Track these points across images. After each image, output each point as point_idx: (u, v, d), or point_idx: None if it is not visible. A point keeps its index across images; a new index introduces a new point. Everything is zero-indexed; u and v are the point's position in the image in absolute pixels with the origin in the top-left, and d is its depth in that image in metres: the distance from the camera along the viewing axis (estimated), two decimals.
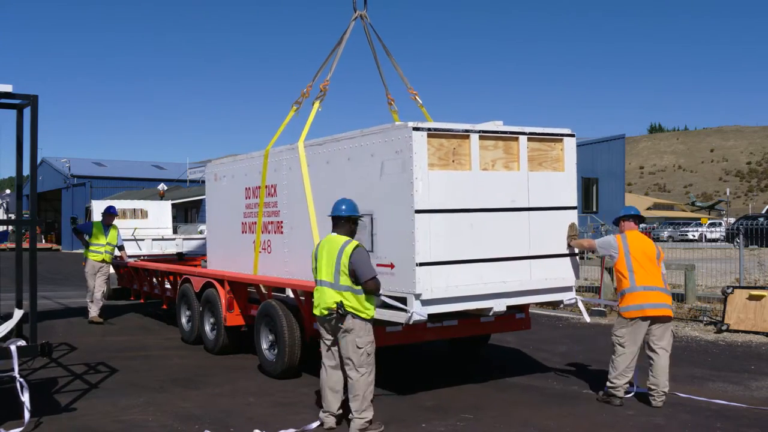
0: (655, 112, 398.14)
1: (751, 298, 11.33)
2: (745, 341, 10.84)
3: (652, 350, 7.22)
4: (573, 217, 8.09)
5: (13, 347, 6.21)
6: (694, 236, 43.40)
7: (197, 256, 15.17)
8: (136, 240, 17.28)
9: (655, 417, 6.77)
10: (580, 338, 11.37)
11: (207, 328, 10.16)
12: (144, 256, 16.26)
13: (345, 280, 6.23)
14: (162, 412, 6.99)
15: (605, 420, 6.69)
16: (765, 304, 11.20)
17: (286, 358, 8.19)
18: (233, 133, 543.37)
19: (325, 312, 6.30)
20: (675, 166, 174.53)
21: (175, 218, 22.03)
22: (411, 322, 6.95)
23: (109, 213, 13.71)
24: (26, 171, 6.75)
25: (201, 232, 22.16)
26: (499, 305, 7.50)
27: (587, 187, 37.53)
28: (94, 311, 13.08)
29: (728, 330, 11.38)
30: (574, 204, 8.12)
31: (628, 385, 7.29)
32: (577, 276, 8.14)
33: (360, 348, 6.24)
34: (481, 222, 7.35)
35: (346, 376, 6.42)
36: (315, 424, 6.47)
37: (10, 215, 37.52)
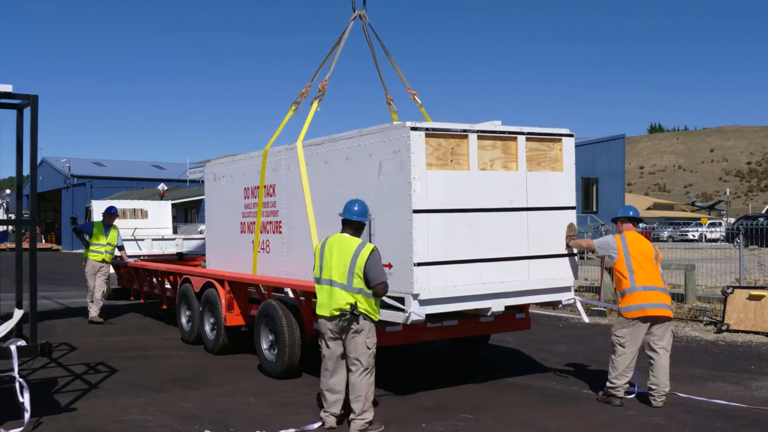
0: (655, 112, 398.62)
1: (751, 298, 11.33)
2: (745, 341, 10.84)
3: (653, 350, 7.22)
4: (572, 217, 8.09)
5: (13, 347, 6.21)
6: (694, 236, 43.41)
7: (197, 256, 15.17)
8: (136, 240, 17.28)
9: (655, 417, 6.78)
10: (580, 338, 11.37)
11: (207, 328, 10.16)
12: (144, 256, 16.26)
13: (359, 283, 6.20)
14: (162, 412, 7.00)
15: (605, 420, 6.69)
16: (765, 304, 11.20)
17: (286, 358, 8.19)
18: (233, 133, 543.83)
19: (336, 312, 6.24)
20: (675, 166, 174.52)
21: (175, 218, 22.03)
22: (408, 322, 6.96)
23: (110, 213, 13.72)
24: (26, 171, 6.76)
25: (201, 232, 22.15)
26: (498, 305, 7.50)
27: (587, 187, 37.54)
28: (94, 311, 13.09)
29: (728, 330, 11.38)
30: (573, 204, 8.12)
31: (628, 385, 7.29)
32: (575, 276, 8.14)
33: (369, 349, 6.25)
34: (480, 222, 7.35)
35: (347, 377, 6.42)
36: (316, 425, 6.46)
37: (10, 215, 37.52)
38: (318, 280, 6.47)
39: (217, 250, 11.09)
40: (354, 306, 6.18)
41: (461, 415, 6.82)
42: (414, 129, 6.92)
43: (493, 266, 7.42)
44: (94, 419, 6.74)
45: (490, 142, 7.48)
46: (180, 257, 15.05)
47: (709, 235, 40.58)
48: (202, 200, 36.20)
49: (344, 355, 6.40)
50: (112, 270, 14.21)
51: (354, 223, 6.47)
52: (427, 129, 7.02)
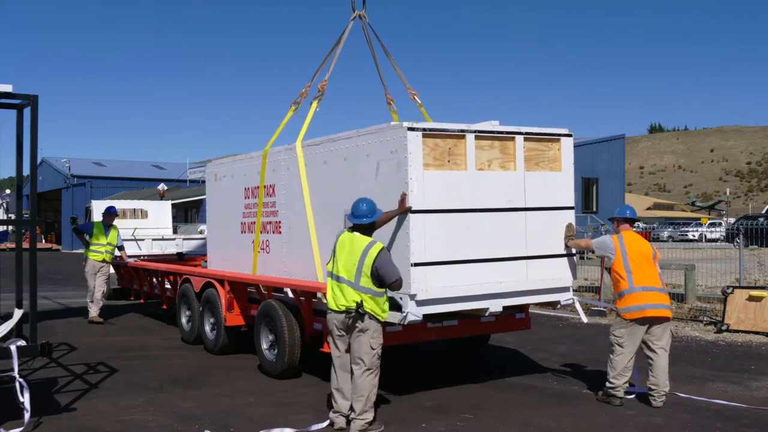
0: (655, 112, 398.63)
1: (751, 298, 11.33)
2: (745, 341, 10.84)
3: (651, 350, 7.23)
4: (570, 217, 8.08)
5: (13, 347, 6.21)
6: (694, 236, 43.42)
7: (197, 256, 15.19)
8: (136, 240, 17.29)
9: (655, 417, 6.78)
10: (580, 338, 11.37)
11: (207, 328, 10.17)
12: (144, 256, 16.27)
13: (366, 282, 6.22)
14: (162, 412, 7.00)
15: (605, 420, 6.70)
16: (765, 304, 11.20)
17: (286, 358, 8.19)
18: (233, 133, 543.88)
19: (343, 308, 6.27)
20: (675, 166, 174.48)
21: (175, 218, 22.02)
22: (405, 323, 6.96)
23: (110, 213, 13.73)
24: (26, 171, 6.76)
25: (201, 232, 22.16)
26: (496, 306, 7.50)
27: (587, 187, 37.52)
28: (94, 311, 13.09)
29: (728, 330, 11.38)
30: (572, 204, 8.11)
31: (627, 385, 7.29)
32: (574, 276, 8.14)
33: (373, 349, 6.25)
34: (477, 222, 7.35)
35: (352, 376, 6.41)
36: (323, 424, 6.46)
37: (10, 215, 37.51)
38: (330, 275, 6.48)
39: (219, 250, 11.10)
40: (359, 305, 6.18)
41: (461, 415, 6.83)
42: (411, 129, 6.92)
43: (491, 266, 7.42)
44: (94, 419, 6.75)
45: (488, 142, 7.48)
46: (180, 257, 15.06)
47: (709, 235, 40.60)
48: (202, 200, 36.25)
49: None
50: (112, 270, 14.22)
51: (361, 225, 6.48)
52: (424, 129, 7.02)
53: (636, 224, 7.79)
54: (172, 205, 22.59)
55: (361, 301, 6.20)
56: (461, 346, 9.69)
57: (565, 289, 8.09)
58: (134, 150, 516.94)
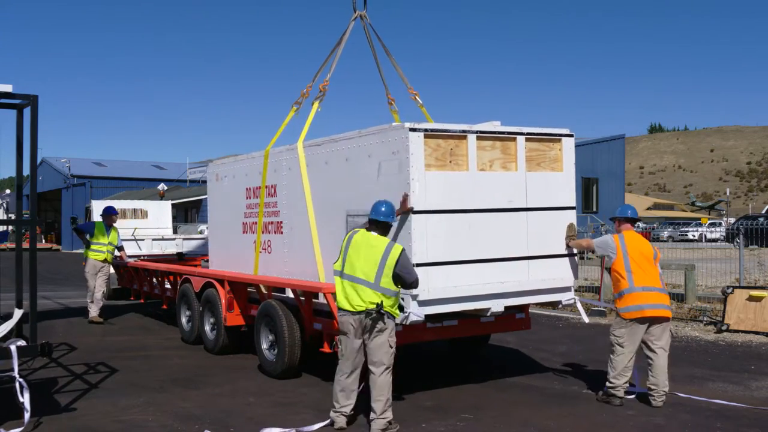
0: (655, 112, 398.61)
1: (751, 298, 11.33)
2: (745, 341, 10.84)
3: (651, 350, 7.23)
4: (571, 217, 8.09)
5: (13, 347, 6.21)
6: (694, 236, 43.42)
7: (197, 256, 15.19)
8: (136, 240, 17.29)
9: (655, 417, 6.78)
10: (580, 338, 11.37)
11: (207, 328, 10.17)
12: (144, 256, 16.26)
13: (387, 282, 6.22)
14: (162, 412, 7.00)
15: (605, 420, 6.70)
16: (765, 304, 11.20)
17: (286, 358, 8.19)
18: (233, 133, 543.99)
19: (360, 308, 6.21)
20: (675, 166, 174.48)
21: (175, 218, 22.03)
22: (407, 323, 6.97)
23: (111, 213, 13.74)
24: (26, 171, 6.76)
25: (201, 232, 22.19)
26: (497, 306, 7.51)
27: (587, 187, 37.54)
28: (94, 311, 13.09)
29: (728, 330, 11.38)
30: (573, 204, 8.12)
31: (627, 385, 7.29)
32: (575, 276, 8.14)
33: (392, 348, 6.27)
34: (479, 222, 7.35)
35: (363, 377, 6.38)
36: (322, 424, 6.45)
37: (10, 215, 37.53)
38: (340, 274, 6.39)
39: (220, 250, 11.10)
40: (380, 305, 6.17)
41: (461, 415, 6.83)
42: (413, 130, 6.92)
43: (493, 266, 7.43)
44: (94, 419, 6.75)
45: (490, 142, 7.49)
46: (180, 257, 15.06)
47: (709, 235, 40.61)
48: (202, 200, 36.25)
49: (363, 355, 6.38)
50: (112, 270, 14.23)
51: (381, 224, 6.46)
52: (425, 130, 7.02)
53: (636, 224, 7.80)
54: (172, 205, 22.59)
55: (382, 302, 6.19)
56: (461, 346, 9.69)
57: (566, 289, 8.09)
58: (134, 150, 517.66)
